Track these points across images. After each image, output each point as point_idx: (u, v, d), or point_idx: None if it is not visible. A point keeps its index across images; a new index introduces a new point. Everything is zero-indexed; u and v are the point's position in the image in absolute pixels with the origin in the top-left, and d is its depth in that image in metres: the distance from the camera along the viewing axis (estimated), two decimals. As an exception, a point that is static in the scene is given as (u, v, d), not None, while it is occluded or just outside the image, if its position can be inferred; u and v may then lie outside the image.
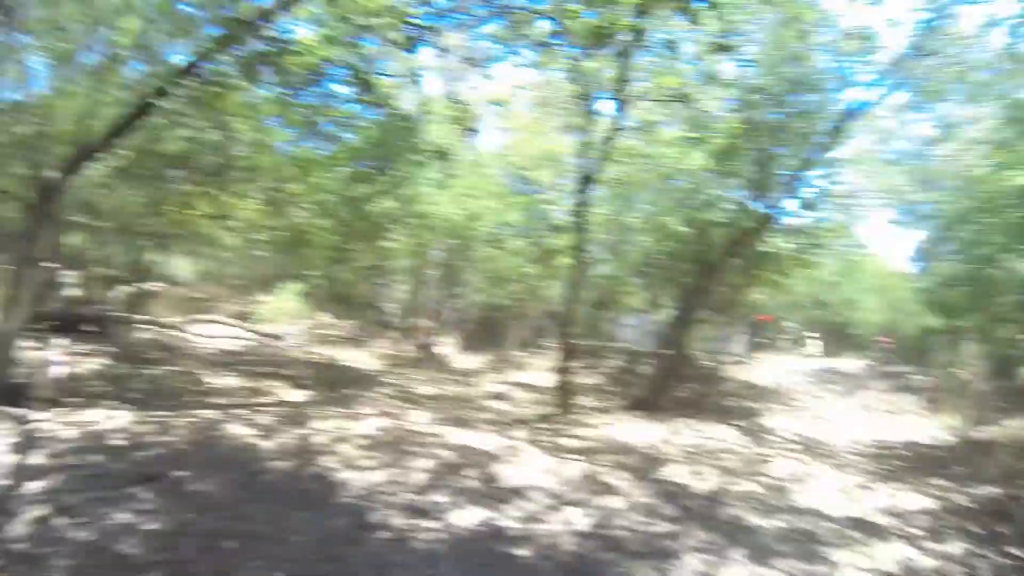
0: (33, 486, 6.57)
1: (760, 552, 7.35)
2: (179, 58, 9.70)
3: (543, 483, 8.58)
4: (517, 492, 8.16)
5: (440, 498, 7.61)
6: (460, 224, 16.57)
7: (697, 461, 10.87)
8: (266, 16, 8.83)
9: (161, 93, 9.19)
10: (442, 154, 13.45)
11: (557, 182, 22.04)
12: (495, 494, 8.01)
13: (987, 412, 14.98)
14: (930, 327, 25.15)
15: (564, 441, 10.96)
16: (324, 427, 9.77)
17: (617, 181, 16.76)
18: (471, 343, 19.94)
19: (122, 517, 6.08)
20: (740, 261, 16.30)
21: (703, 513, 8.40)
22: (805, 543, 7.81)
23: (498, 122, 23.89)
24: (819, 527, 8.40)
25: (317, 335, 15.01)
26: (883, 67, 13.60)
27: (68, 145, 9.60)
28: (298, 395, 11.96)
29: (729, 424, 13.95)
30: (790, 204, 16.03)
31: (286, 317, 18.90)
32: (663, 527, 7.76)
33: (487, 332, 20.91)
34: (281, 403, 11.19)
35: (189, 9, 9.56)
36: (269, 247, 17.46)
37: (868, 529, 8.51)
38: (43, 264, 10.11)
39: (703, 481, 9.77)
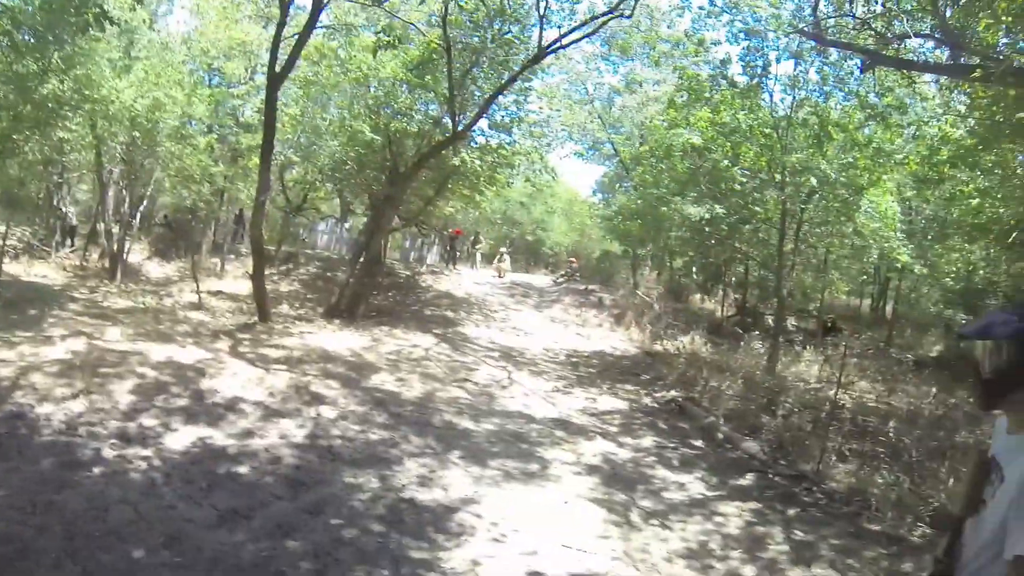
0: None
1: (475, 454, 7.92)
2: None
3: (253, 396, 8.43)
4: (228, 407, 7.96)
5: (150, 421, 7.18)
6: (143, 115, 14.91)
7: (402, 368, 11.21)
8: None
9: None
10: (121, 24, 11.91)
11: (248, 77, 20.80)
12: (206, 411, 7.74)
13: (664, 329, 16.96)
14: (612, 252, 28.07)
15: (268, 351, 10.71)
16: (9, 356, 8.51)
17: (310, 81, 16.23)
18: (161, 250, 18.34)
19: None
20: (432, 173, 16.73)
21: (415, 419, 8.80)
22: (515, 443, 8.53)
23: (187, 1, 21.79)
24: (526, 428, 9.20)
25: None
26: (582, 17, 14.63)
27: None
28: (-29, 322, 10.14)
29: (429, 333, 14.39)
30: (483, 124, 16.67)
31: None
32: (378, 435, 8.04)
33: (178, 237, 19.38)
34: (-50, 334, 9.42)
35: None
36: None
37: (571, 428, 9.46)
38: None
39: (410, 388, 10.16)
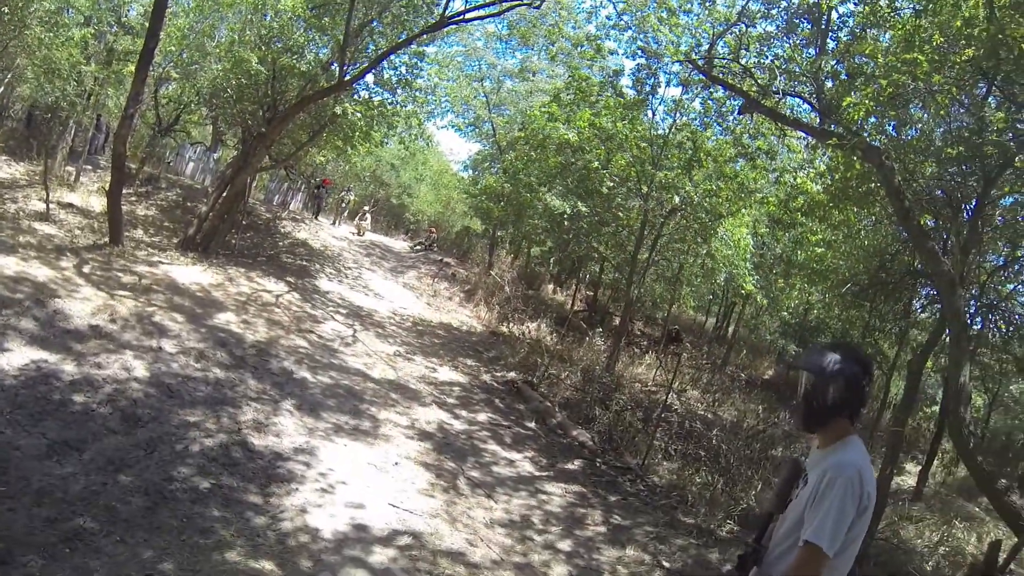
0: None
1: (310, 405, 8.16)
2: None
3: (96, 322, 8.21)
4: (67, 331, 7.76)
5: (-19, 338, 6.88)
6: None
7: (249, 311, 11.12)
8: None
9: None
10: None
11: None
12: (43, 332, 7.51)
13: (512, 312, 17.32)
14: (473, 229, 28.28)
15: (115, 275, 10.32)
16: None
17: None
18: (12, 147, 16.80)
19: None
20: (309, 119, 16.43)
21: (255, 363, 8.86)
22: (350, 400, 8.79)
23: None
24: (363, 387, 9.47)
25: None
26: None
27: None
28: None
29: (281, 280, 14.23)
30: (370, 79, 16.51)
31: None
32: (217, 375, 8.11)
33: (32, 136, 17.91)
34: None
35: None
36: None
37: (407, 393, 9.80)
38: None
39: (255, 332, 10.13)
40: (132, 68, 13.91)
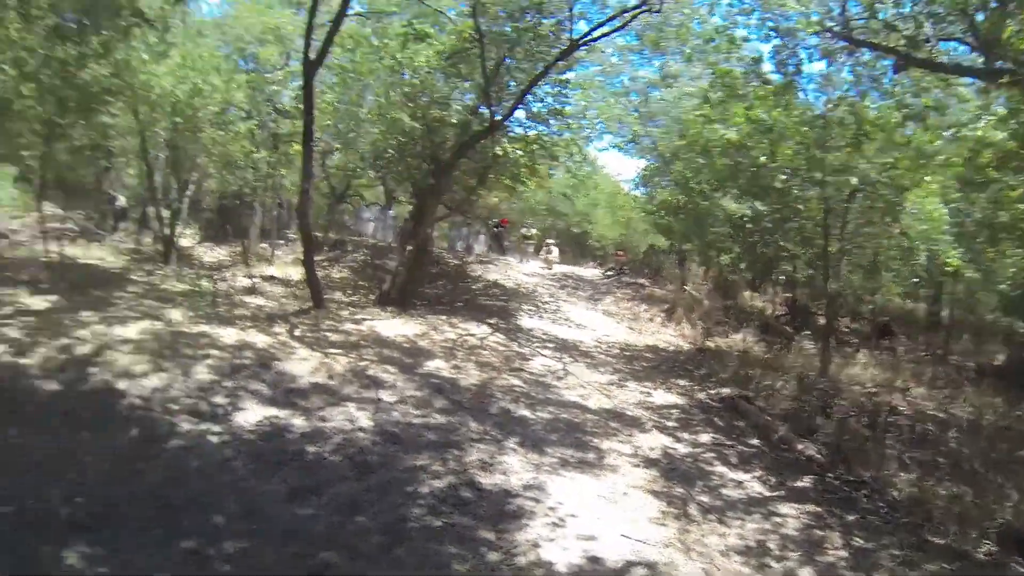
0: None
1: (533, 441, 8.06)
2: None
3: (314, 379, 8.60)
4: (292, 389, 8.16)
5: (220, 399, 7.42)
6: (183, 101, 15.00)
7: (457, 356, 11.28)
8: None
9: None
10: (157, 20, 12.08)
11: (283, 63, 20.98)
12: (272, 391, 7.96)
13: (715, 325, 16.80)
14: (658, 246, 27.87)
15: (325, 336, 10.86)
16: (84, 335, 8.61)
17: (345, 68, 16.27)
18: (211, 234, 18.48)
19: None
20: (472, 163, 16.76)
21: (473, 406, 8.93)
22: (572, 433, 8.63)
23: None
24: (582, 419, 9.27)
25: (47, 230, 12.96)
26: (612, 10, 14.24)
27: None
28: (42, 301, 10.09)
29: (482, 322, 14.41)
30: (520, 115, 16.49)
31: (5, 210, 16.18)
32: (438, 420, 8.21)
33: (226, 222, 19.56)
34: (26, 312, 9.43)
35: None
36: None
37: (626, 421, 9.52)
38: None
39: (467, 376, 10.24)
40: (298, 147, 14.83)
